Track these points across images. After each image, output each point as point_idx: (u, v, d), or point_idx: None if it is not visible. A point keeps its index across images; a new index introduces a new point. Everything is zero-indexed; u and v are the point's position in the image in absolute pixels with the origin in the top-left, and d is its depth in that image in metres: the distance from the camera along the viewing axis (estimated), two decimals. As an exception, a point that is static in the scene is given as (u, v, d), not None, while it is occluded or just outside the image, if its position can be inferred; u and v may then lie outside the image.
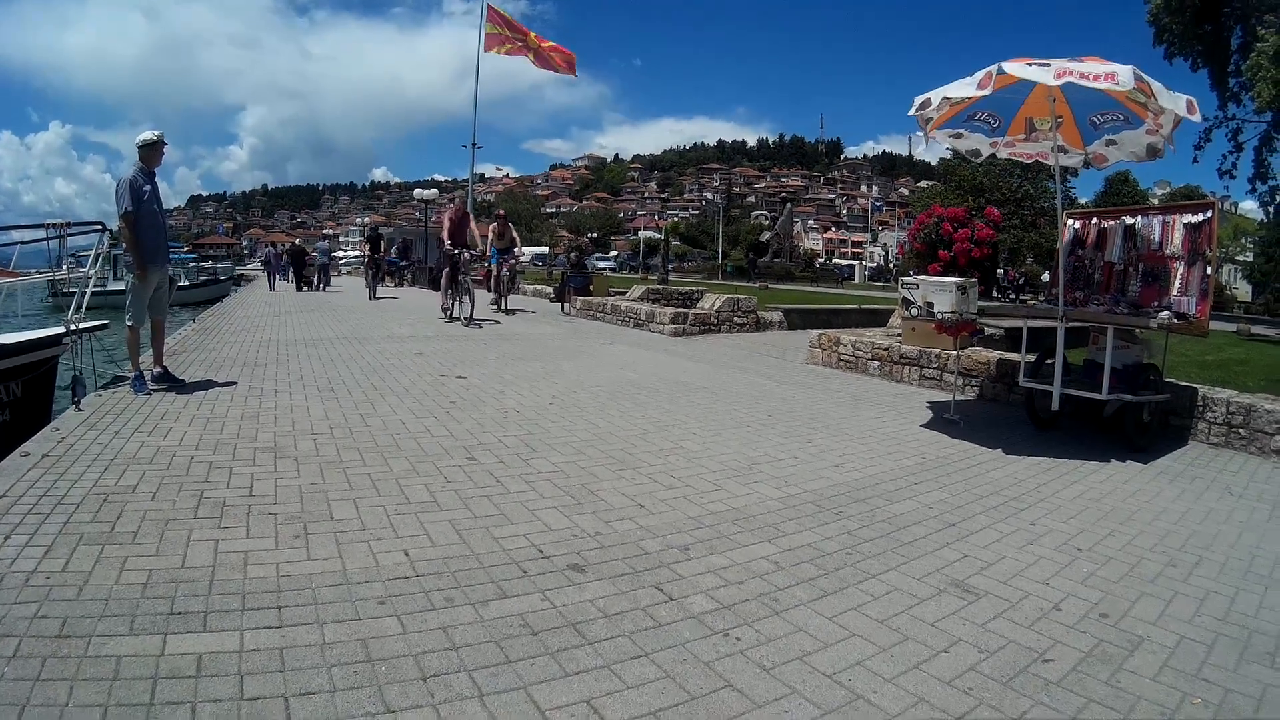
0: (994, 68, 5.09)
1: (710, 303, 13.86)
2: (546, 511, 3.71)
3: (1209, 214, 5.95)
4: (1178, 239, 6.06)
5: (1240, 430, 6.05)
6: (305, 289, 25.78)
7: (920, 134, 6.50)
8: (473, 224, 13.90)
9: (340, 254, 66.52)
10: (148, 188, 6.37)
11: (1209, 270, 5.88)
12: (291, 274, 28.66)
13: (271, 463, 4.33)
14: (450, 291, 13.36)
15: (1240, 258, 62.22)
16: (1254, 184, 24.97)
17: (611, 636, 2.53)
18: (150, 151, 6.43)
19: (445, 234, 13.55)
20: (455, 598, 2.74)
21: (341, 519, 3.47)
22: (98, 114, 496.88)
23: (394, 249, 32.94)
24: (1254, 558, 3.70)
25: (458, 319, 12.97)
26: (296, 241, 32.67)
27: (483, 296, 15.83)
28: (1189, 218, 6.04)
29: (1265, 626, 2.88)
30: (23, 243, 9.11)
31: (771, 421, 6.09)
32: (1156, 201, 51.83)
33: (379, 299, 19.49)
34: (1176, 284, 6.02)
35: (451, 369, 7.96)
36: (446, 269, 13.54)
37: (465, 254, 13.20)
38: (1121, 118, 6.04)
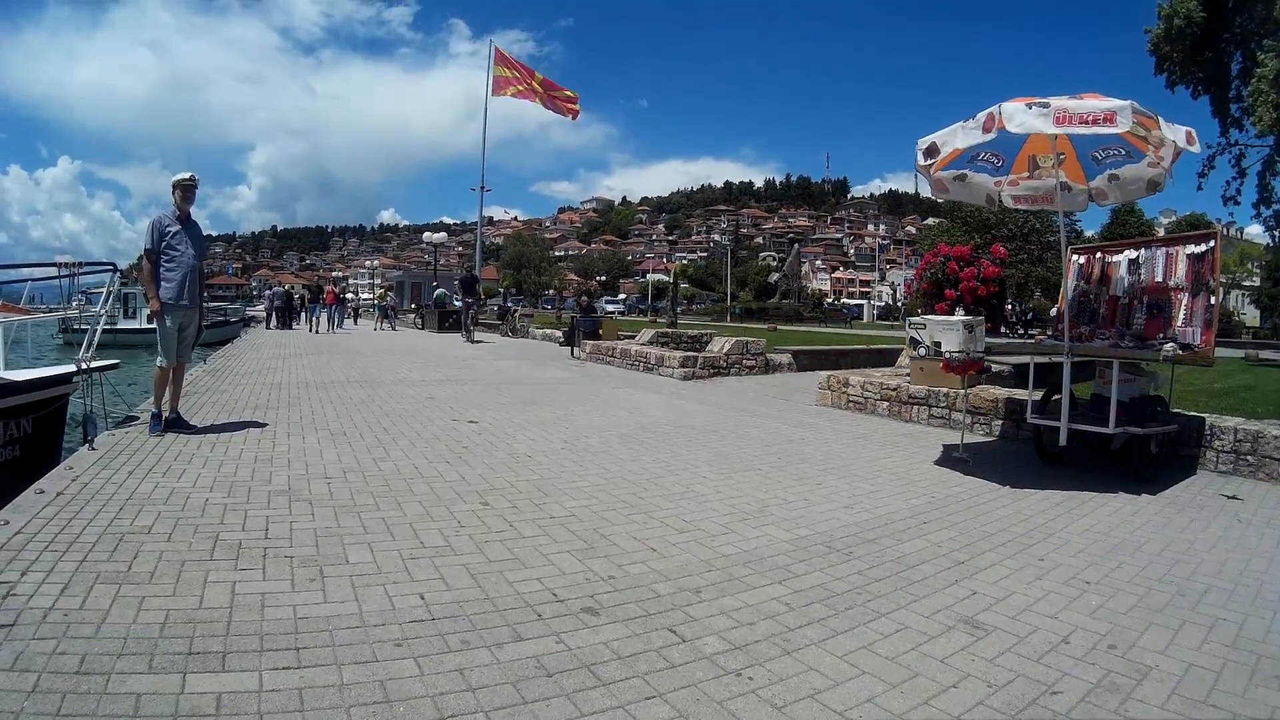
0: (995, 109, 5.14)
1: (719, 345, 13.92)
2: (560, 555, 3.74)
3: (1211, 243, 5.97)
4: (1181, 270, 6.10)
5: (1249, 457, 6.06)
6: (279, 328, 29.11)
7: (924, 177, 6.57)
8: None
9: (350, 296, 66.48)
10: (173, 228, 6.44)
11: (1213, 300, 5.88)
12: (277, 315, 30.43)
13: (286, 506, 4.38)
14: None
15: (1247, 283, 62.14)
16: (1258, 209, 24.80)
17: (625, 677, 2.55)
18: (177, 192, 6.56)
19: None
20: (471, 640, 2.76)
21: (357, 562, 3.50)
22: (106, 150, 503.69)
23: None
24: (1262, 584, 3.72)
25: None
26: (286, 286, 33.79)
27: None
28: (1192, 248, 6.07)
29: (1273, 650, 2.89)
30: (33, 280, 9.32)
31: (781, 464, 6.11)
32: (1163, 231, 51.97)
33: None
34: (1181, 315, 6.04)
35: (463, 413, 8.02)
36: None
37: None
38: (1123, 152, 6.11)
